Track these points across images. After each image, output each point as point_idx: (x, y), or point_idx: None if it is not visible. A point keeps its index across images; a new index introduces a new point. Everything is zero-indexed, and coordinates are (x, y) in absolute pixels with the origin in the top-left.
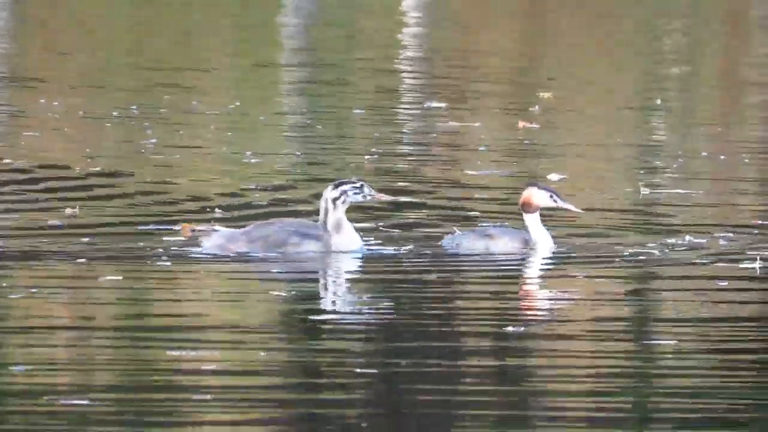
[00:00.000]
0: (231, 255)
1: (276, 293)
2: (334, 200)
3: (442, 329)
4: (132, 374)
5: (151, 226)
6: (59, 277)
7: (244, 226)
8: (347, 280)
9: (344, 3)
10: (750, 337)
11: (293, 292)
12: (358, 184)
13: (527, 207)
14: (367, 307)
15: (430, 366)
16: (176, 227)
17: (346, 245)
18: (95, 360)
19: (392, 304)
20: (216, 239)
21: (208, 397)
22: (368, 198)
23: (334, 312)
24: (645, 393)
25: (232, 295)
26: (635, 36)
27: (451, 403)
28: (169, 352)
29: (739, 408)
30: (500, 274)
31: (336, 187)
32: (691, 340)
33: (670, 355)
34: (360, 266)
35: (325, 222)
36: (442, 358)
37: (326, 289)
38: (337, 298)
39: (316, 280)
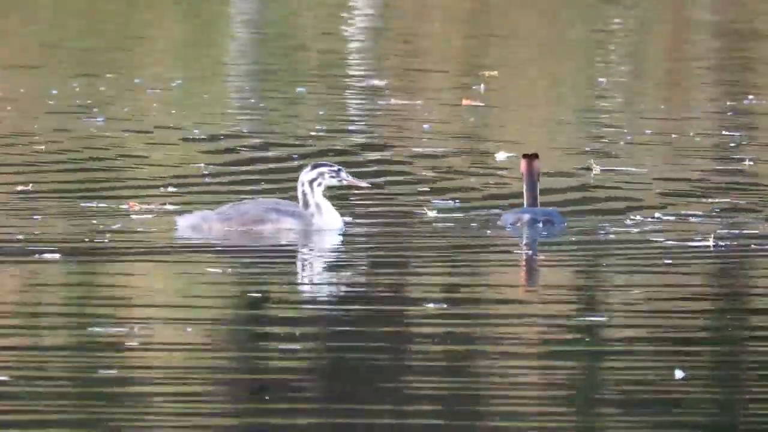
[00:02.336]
0: (207, 235)
1: (245, 277)
2: (311, 182)
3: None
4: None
5: (96, 203)
6: (8, 260)
7: (199, 205)
8: (329, 259)
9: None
10: (703, 318)
11: (270, 273)
12: (335, 168)
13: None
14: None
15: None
16: (124, 205)
17: (329, 224)
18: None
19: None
20: (190, 219)
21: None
22: (344, 182)
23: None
24: (593, 373)
25: (203, 286)
26: (583, 18)
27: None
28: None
29: (689, 390)
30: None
31: (313, 168)
32: (637, 317)
33: (617, 336)
34: (341, 244)
35: (305, 203)
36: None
37: (307, 269)
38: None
39: (298, 259)
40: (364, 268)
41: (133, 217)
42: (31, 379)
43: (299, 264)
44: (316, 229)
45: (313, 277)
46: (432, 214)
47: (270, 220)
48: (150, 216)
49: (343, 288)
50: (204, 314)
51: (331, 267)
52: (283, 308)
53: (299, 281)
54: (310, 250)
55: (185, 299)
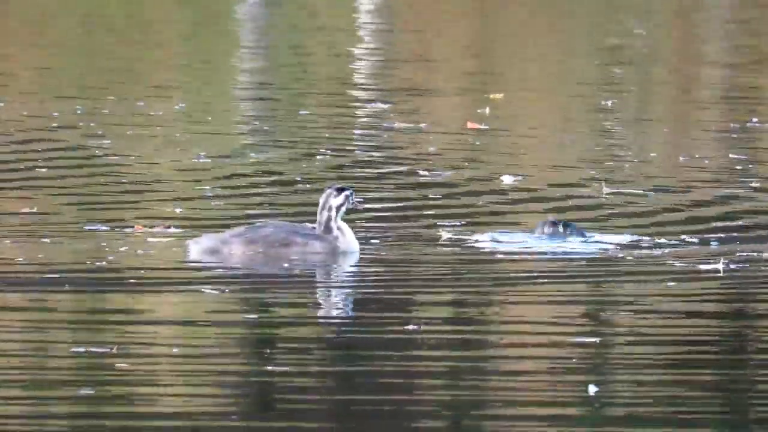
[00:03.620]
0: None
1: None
2: (338, 207)
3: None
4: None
5: (100, 226)
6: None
7: (203, 228)
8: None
9: (297, 20)
10: (709, 341)
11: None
12: (349, 191)
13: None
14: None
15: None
16: (129, 228)
17: (351, 247)
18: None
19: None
20: (206, 243)
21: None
22: (353, 205)
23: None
24: (600, 394)
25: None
26: (587, 36)
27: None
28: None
29: (696, 408)
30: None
31: (339, 192)
32: (644, 340)
33: (625, 353)
34: (364, 266)
35: (327, 226)
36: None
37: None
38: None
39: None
40: (398, 292)
41: (148, 240)
42: (34, 417)
43: (328, 289)
44: (341, 252)
45: (349, 303)
46: (446, 235)
47: (296, 243)
48: (159, 239)
49: (385, 312)
50: (240, 342)
51: (366, 291)
52: (322, 333)
53: (333, 306)
54: (339, 272)
55: (216, 328)
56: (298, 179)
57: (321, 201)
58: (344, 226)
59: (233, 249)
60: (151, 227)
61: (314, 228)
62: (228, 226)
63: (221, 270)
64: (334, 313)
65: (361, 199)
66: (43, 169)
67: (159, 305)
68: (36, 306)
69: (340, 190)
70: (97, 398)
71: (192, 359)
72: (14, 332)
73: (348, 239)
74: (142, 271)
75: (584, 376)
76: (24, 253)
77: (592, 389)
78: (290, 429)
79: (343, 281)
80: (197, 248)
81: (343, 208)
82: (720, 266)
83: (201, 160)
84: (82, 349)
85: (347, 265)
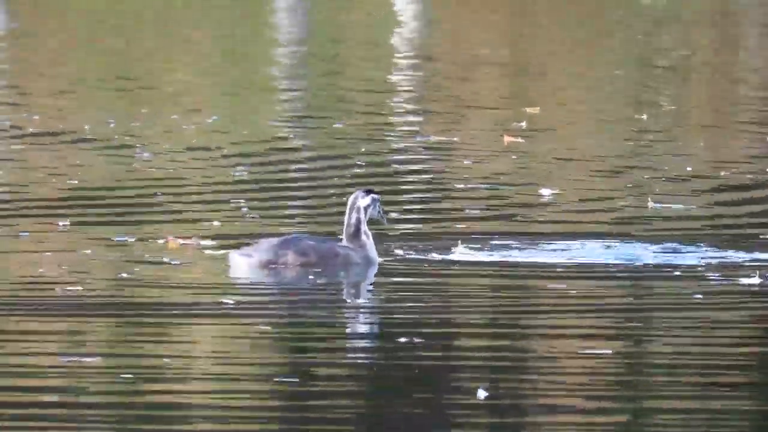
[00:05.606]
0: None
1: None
2: (366, 208)
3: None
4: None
5: (128, 238)
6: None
7: (235, 241)
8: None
9: (336, 34)
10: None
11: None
12: (377, 196)
13: None
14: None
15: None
16: (162, 240)
17: (375, 254)
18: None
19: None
20: (260, 255)
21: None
22: (379, 214)
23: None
24: (634, 410)
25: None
26: (623, 49)
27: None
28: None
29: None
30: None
31: (367, 193)
32: (681, 353)
33: (663, 370)
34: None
35: (356, 230)
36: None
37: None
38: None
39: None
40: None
41: (186, 254)
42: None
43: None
44: (372, 262)
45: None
46: (463, 250)
47: (340, 254)
48: (200, 252)
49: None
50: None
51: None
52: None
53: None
54: (376, 285)
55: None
56: (333, 192)
57: (349, 202)
58: (369, 234)
59: (287, 260)
60: (183, 240)
61: (340, 237)
62: (254, 240)
63: (271, 289)
64: (373, 337)
65: (386, 212)
66: (75, 181)
67: (195, 333)
68: (74, 330)
69: (368, 192)
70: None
71: (228, 388)
72: (49, 355)
73: (372, 247)
74: (181, 292)
75: (621, 393)
76: (60, 271)
77: (482, 393)
78: None
79: (383, 300)
80: (249, 261)
81: (371, 210)
82: (757, 280)
83: (236, 174)
84: (123, 373)
85: (376, 276)
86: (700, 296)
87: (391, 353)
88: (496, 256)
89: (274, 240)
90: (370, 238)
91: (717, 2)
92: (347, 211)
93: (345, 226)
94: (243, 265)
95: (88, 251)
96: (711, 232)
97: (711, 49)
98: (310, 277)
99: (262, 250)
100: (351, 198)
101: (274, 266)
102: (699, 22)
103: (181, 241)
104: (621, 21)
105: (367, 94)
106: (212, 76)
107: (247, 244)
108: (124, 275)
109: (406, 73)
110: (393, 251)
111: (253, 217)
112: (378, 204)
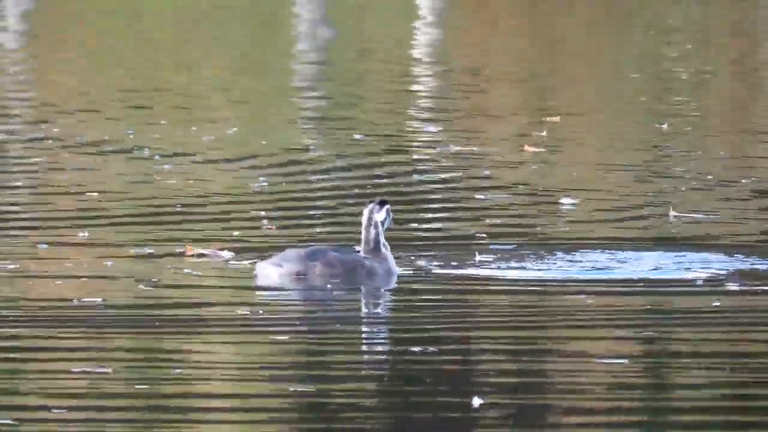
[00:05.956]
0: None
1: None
2: (382, 222)
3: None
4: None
5: (148, 249)
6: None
7: (255, 252)
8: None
9: (357, 48)
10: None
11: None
12: (389, 206)
13: None
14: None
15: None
16: (179, 249)
17: (395, 265)
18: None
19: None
20: (290, 265)
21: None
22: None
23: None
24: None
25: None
26: (642, 58)
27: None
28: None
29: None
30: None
31: (381, 206)
32: (709, 364)
33: (686, 388)
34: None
35: (376, 243)
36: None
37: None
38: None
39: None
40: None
41: (206, 264)
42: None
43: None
44: (393, 273)
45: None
46: (482, 260)
47: (365, 266)
48: (220, 263)
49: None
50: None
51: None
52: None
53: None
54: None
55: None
56: (353, 202)
57: (365, 217)
58: (388, 245)
59: (316, 270)
60: (201, 249)
61: (358, 249)
62: (283, 249)
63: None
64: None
65: (394, 217)
66: (95, 193)
67: (218, 347)
68: (94, 341)
69: (381, 204)
70: None
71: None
72: (71, 370)
73: (391, 260)
74: (201, 303)
75: (647, 407)
76: (79, 282)
77: (477, 401)
78: None
79: (405, 313)
80: (279, 271)
81: (387, 223)
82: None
83: (256, 185)
84: (145, 387)
85: (400, 286)
86: (722, 306)
87: (412, 364)
88: (515, 266)
89: (302, 251)
90: (389, 249)
91: (738, 10)
92: (364, 226)
93: (363, 242)
94: (272, 275)
95: (108, 262)
96: (734, 240)
97: (732, 57)
98: (331, 287)
99: (291, 260)
100: (366, 212)
101: (302, 277)
102: (720, 30)
103: (200, 251)
104: (641, 28)
105: (386, 104)
106: (231, 87)
107: (270, 255)
108: (143, 287)
109: (426, 83)
110: (413, 262)
111: (273, 228)
112: (390, 212)
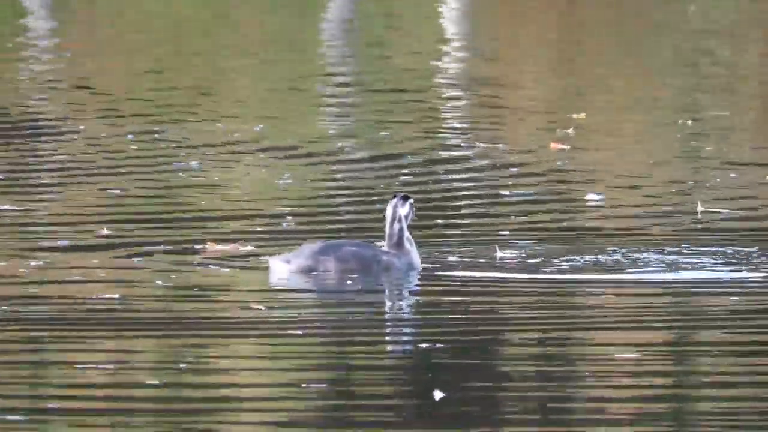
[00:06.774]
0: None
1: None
2: (406, 216)
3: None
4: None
5: (173, 246)
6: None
7: (274, 248)
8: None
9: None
10: None
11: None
12: (412, 200)
13: None
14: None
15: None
16: (200, 246)
17: (418, 260)
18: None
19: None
20: (299, 261)
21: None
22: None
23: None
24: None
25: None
26: (671, 56)
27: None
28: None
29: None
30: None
31: (404, 201)
32: (735, 361)
33: (708, 378)
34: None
35: (401, 237)
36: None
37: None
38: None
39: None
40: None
41: (224, 260)
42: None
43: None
44: (415, 268)
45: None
46: (504, 256)
47: (382, 260)
48: (242, 260)
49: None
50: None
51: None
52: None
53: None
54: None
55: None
56: (379, 199)
57: (389, 212)
58: (412, 240)
59: (328, 266)
60: (223, 246)
61: (382, 244)
62: (304, 244)
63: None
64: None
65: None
66: (117, 191)
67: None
68: (115, 340)
69: (404, 199)
70: None
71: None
72: (98, 371)
73: (415, 255)
74: (222, 301)
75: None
76: (101, 279)
77: (438, 394)
78: None
79: (428, 310)
80: (288, 267)
81: (410, 217)
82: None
83: (281, 182)
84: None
85: (422, 282)
86: (749, 305)
87: (432, 359)
88: (540, 263)
89: (315, 246)
90: (413, 244)
91: (763, 8)
92: (388, 221)
93: (387, 237)
94: (282, 271)
95: (131, 259)
96: (761, 237)
97: (758, 54)
98: (349, 282)
99: (302, 256)
100: (389, 207)
101: (314, 272)
102: (746, 28)
103: (221, 247)
104: (667, 26)
105: (413, 102)
106: (257, 84)
107: (289, 251)
108: (163, 282)
109: (452, 79)
110: (437, 257)
111: (298, 224)
112: (414, 207)
